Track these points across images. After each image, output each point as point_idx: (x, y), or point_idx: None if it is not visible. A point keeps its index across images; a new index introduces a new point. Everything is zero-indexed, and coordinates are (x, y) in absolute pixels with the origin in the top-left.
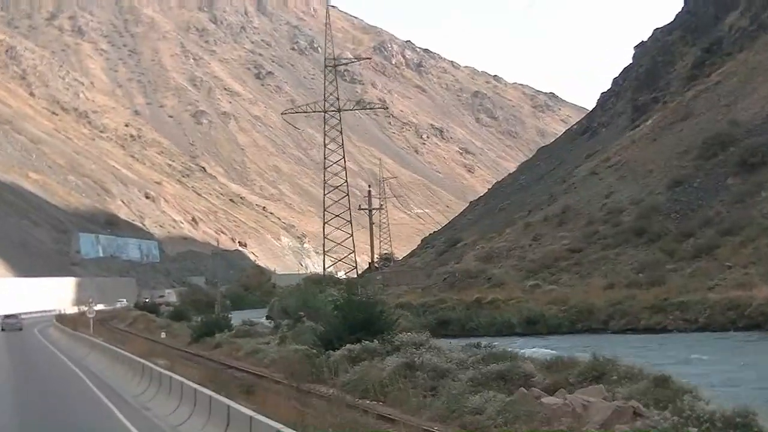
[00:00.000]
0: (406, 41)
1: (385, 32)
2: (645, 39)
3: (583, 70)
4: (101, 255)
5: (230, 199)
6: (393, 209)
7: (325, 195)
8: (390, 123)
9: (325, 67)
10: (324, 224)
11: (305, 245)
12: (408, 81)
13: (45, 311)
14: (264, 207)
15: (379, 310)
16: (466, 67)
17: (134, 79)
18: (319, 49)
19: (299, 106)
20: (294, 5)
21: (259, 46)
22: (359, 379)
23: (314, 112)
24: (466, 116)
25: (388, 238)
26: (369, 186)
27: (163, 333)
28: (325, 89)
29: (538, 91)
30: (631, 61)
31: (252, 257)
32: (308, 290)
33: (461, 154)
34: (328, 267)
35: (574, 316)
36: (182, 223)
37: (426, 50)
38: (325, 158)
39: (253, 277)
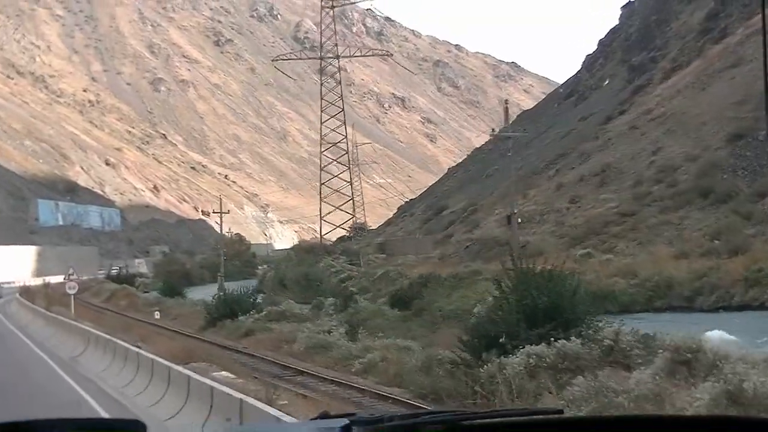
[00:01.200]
0: (367, 9)
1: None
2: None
3: (545, 40)
4: (61, 223)
5: (191, 167)
6: (354, 179)
7: (321, 153)
8: (351, 92)
9: (322, 8)
10: (321, 185)
11: (269, 215)
12: (368, 49)
13: (3, 283)
14: (226, 176)
15: (573, 289)
16: (427, 35)
17: (91, 45)
18: (278, 16)
19: (291, 53)
20: None
21: (218, 13)
22: None
23: (309, 59)
24: (427, 85)
25: (362, 208)
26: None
27: (156, 313)
28: (321, 33)
29: (500, 60)
30: (617, 23)
31: (216, 226)
32: (303, 260)
33: (423, 123)
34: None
35: (651, 291)
36: (143, 190)
37: (387, 18)
38: (322, 111)
39: (231, 245)
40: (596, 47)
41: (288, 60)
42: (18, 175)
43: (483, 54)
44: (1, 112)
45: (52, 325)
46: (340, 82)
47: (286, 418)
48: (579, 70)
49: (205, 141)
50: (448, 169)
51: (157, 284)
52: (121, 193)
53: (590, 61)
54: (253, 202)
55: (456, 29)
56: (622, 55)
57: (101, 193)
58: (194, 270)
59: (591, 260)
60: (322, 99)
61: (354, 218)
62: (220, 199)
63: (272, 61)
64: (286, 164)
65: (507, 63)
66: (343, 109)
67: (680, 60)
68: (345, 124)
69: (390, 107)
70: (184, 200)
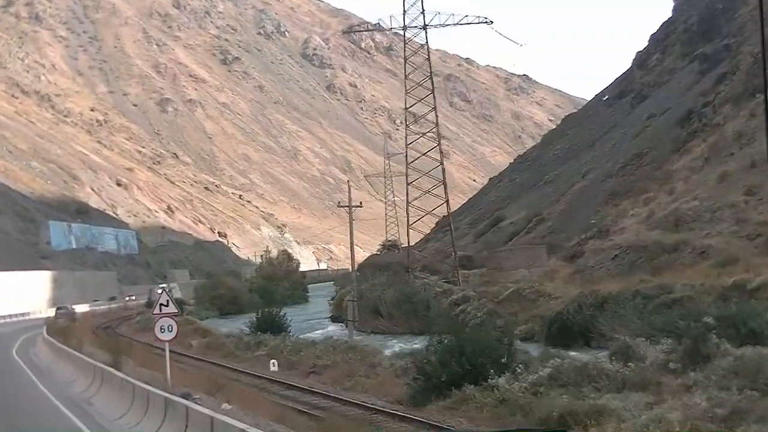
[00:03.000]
0: (376, 24)
1: (354, 15)
2: None
3: (555, 52)
4: (74, 246)
5: (205, 187)
6: (368, 197)
7: (407, 128)
8: (362, 108)
9: None
10: (408, 168)
11: (286, 235)
12: (378, 65)
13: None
14: (240, 195)
15: None
16: (437, 50)
17: (96, 66)
18: (286, 33)
19: (360, 24)
20: None
21: (225, 31)
22: None
23: (391, 30)
24: (438, 100)
25: (395, 224)
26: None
27: (273, 363)
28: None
29: (511, 73)
30: (670, 15)
31: (234, 248)
32: (394, 279)
33: (435, 139)
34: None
35: None
36: (157, 212)
37: (396, 33)
38: (406, 78)
39: (277, 265)
40: (647, 43)
41: (360, 32)
42: (25, 196)
43: (494, 67)
44: (6, 131)
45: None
46: (428, 57)
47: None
48: (629, 69)
49: (214, 162)
50: (489, 179)
51: (204, 311)
52: (135, 215)
53: (642, 58)
54: (269, 223)
55: (465, 43)
56: (683, 48)
57: (114, 215)
58: (243, 294)
59: None
60: (406, 65)
61: (447, 203)
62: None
63: (343, 33)
64: (297, 183)
65: (518, 76)
66: (432, 91)
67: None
68: (435, 101)
69: (402, 123)
70: (200, 221)
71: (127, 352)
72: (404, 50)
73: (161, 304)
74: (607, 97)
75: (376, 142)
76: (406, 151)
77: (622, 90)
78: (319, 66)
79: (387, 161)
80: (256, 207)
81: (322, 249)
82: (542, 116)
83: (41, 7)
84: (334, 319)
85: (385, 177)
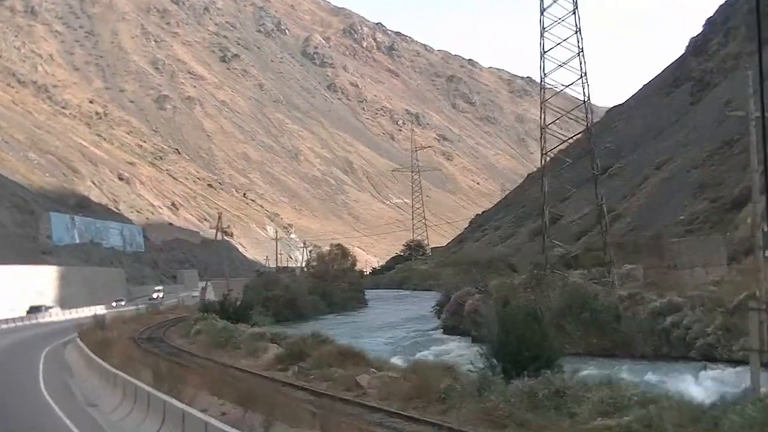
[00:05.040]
0: (377, 23)
1: (355, 14)
2: None
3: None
4: (77, 241)
5: (208, 184)
6: (371, 199)
7: (543, 76)
8: (363, 109)
9: None
10: (542, 124)
11: (292, 236)
12: (380, 65)
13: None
14: (244, 194)
15: None
16: (439, 50)
17: (92, 62)
18: (286, 31)
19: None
20: None
21: (224, 28)
22: None
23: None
24: (441, 101)
25: (422, 223)
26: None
27: None
28: None
29: (514, 75)
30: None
31: (240, 248)
32: (536, 279)
33: (439, 140)
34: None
35: None
36: (161, 208)
37: (398, 33)
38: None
39: (329, 262)
40: (702, 28)
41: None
42: (23, 187)
43: (497, 69)
44: (2, 121)
45: None
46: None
47: None
48: (682, 57)
49: (213, 160)
50: (528, 175)
51: (268, 318)
52: (138, 211)
53: (698, 44)
54: (275, 222)
55: (468, 44)
56: (749, 31)
57: (116, 210)
58: (302, 296)
59: None
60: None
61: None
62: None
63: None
64: (298, 184)
65: (522, 77)
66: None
67: None
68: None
69: (404, 124)
70: (205, 219)
71: (265, 402)
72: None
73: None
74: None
75: (377, 142)
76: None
77: (675, 78)
78: (319, 65)
79: (414, 154)
80: (261, 206)
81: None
82: (548, 119)
83: (36, 0)
84: (449, 331)
85: (412, 172)
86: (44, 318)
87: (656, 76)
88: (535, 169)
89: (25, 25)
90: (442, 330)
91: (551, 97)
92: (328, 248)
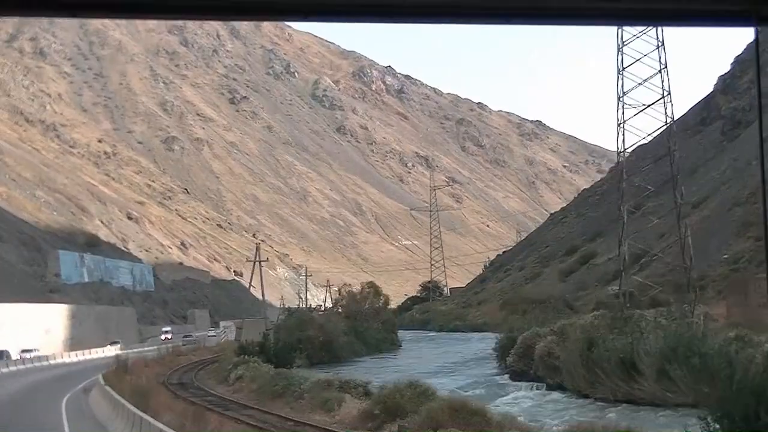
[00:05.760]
0: (387, 67)
1: (364, 57)
2: None
3: (568, 98)
4: (86, 280)
5: (218, 225)
6: (380, 241)
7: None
8: (373, 151)
9: None
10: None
11: (301, 276)
12: (389, 108)
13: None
14: (254, 234)
15: None
16: (448, 93)
17: (100, 103)
18: (296, 74)
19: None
20: (268, 29)
21: (233, 70)
22: None
23: None
24: (451, 144)
25: (442, 264)
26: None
27: None
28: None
29: (524, 118)
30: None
31: (251, 289)
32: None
33: (448, 183)
34: None
35: None
36: (170, 247)
37: (407, 76)
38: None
39: (360, 301)
40: (731, 66)
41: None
42: (31, 225)
43: (507, 112)
44: (9, 159)
45: None
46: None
47: None
48: (710, 95)
49: (221, 202)
50: (550, 214)
51: (302, 361)
52: (147, 250)
53: (726, 83)
54: (284, 263)
55: (477, 87)
56: None
57: (125, 249)
58: (338, 337)
59: None
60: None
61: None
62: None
63: None
64: (307, 225)
65: (531, 121)
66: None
67: None
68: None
69: (413, 166)
70: (215, 259)
71: None
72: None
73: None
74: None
75: (387, 185)
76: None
77: (704, 117)
78: (329, 107)
79: (433, 193)
80: (270, 247)
81: (334, 293)
82: (556, 162)
83: (46, 42)
84: (516, 377)
85: (431, 211)
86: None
87: (682, 115)
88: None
89: (33, 66)
90: (508, 375)
91: (633, 116)
92: (357, 287)
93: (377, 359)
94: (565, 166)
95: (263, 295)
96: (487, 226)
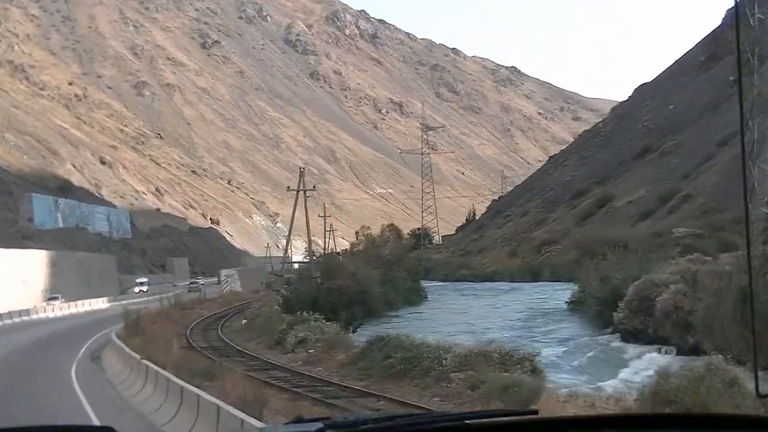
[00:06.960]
0: (360, 11)
1: (338, 1)
2: None
3: (544, 44)
4: (61, 225)
5: (192, 171)
6: (354, 189)
7: None
8: (347, 97)
9: None
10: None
11: (278, 225)
12: (363, 53)
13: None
14: (229, 181)
15: None
16: (423, 39)
17: (69, 47)
18: (268, 18)
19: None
20: None
21: (204, 14)
22: None
23: None
24: (425, 90)
25: (433, 209)
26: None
27: None
28: None
29: (499, 64)
30: None
31: (227, 236)
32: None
33: (422, 130)
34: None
35: None
36: (145, 194)
37: (381, 20)
38: None
39: (379, 245)
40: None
41: None
42: (2, 169)
43: (481, 58)
44: None
45: None
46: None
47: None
48: (718, 29)
49: (193, 148)
50: (549, 157)
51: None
52: (122, 196)
53: (734, 15)
54: (260, 211)
55: (452, 32)
56: None
57: (98, 194)
58: (374, 286)
59: None
60: None
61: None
62: None
63: None
64: (279, 173)
65: (506, 67)
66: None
67: None
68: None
69: (387, 113)
70: (191, 206)
71: None
72: None
73: None
74: (703, 58)
75: (360, 131)
76: None
77: (712, 53)
78: (302, 52)
79: (425, 135)
80: (246, 194)
81: (313, 242)
82: (531, 109)
83: None
84: (629, 337)
85: (422, 154)
86: (40, 314)
87: (687, 51)
88: (523, 160)
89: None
90: (619, 336)
91: None
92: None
93: (415, 313)
94: (540, 113)
95: (290, 234)
96: (462, 173)
